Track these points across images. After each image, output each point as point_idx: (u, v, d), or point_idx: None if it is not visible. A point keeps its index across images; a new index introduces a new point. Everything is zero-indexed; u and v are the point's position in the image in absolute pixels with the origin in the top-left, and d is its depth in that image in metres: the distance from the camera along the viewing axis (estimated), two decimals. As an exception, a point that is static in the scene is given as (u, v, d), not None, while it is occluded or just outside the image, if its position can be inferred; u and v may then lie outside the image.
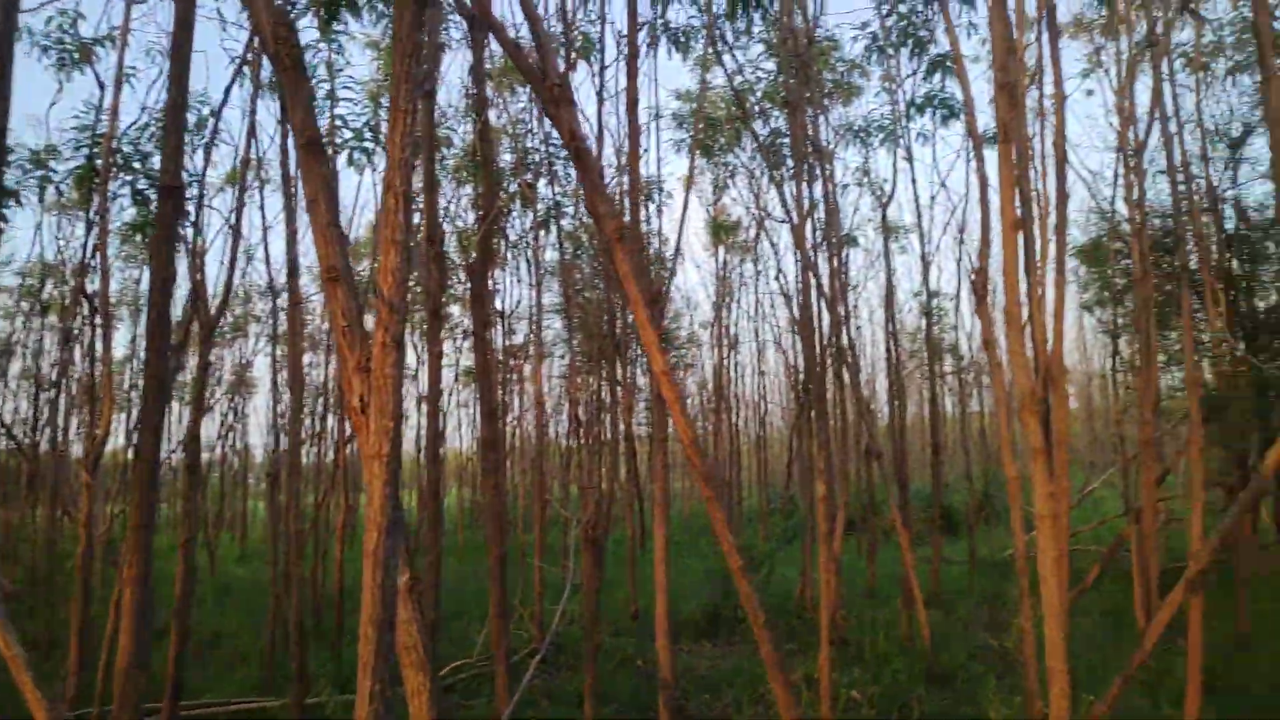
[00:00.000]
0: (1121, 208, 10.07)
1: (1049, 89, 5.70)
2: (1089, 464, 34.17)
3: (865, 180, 14.31)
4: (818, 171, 8.75)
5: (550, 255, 13.94)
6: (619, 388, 10.55)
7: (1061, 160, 5.38)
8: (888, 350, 13.84)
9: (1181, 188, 7.10)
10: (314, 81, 10.53)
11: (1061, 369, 4.82)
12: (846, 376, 9.40)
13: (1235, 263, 10.93)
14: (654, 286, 6.54)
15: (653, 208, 13.04)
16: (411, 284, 12.57)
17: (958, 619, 11.78)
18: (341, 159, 11.43)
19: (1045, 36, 5.47)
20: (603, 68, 9.07)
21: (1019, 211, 4.81)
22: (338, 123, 10.64)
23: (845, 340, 10.59)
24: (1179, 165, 7.01)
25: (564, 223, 11.20)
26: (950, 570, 14.87)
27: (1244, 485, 7.55)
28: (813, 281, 7.86)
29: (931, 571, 13.40)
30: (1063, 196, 5.37)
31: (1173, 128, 7.11)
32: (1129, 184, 7.62)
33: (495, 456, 6.99)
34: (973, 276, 4.92)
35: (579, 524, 8.25)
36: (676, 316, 20.52)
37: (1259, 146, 11.33)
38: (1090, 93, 34.30)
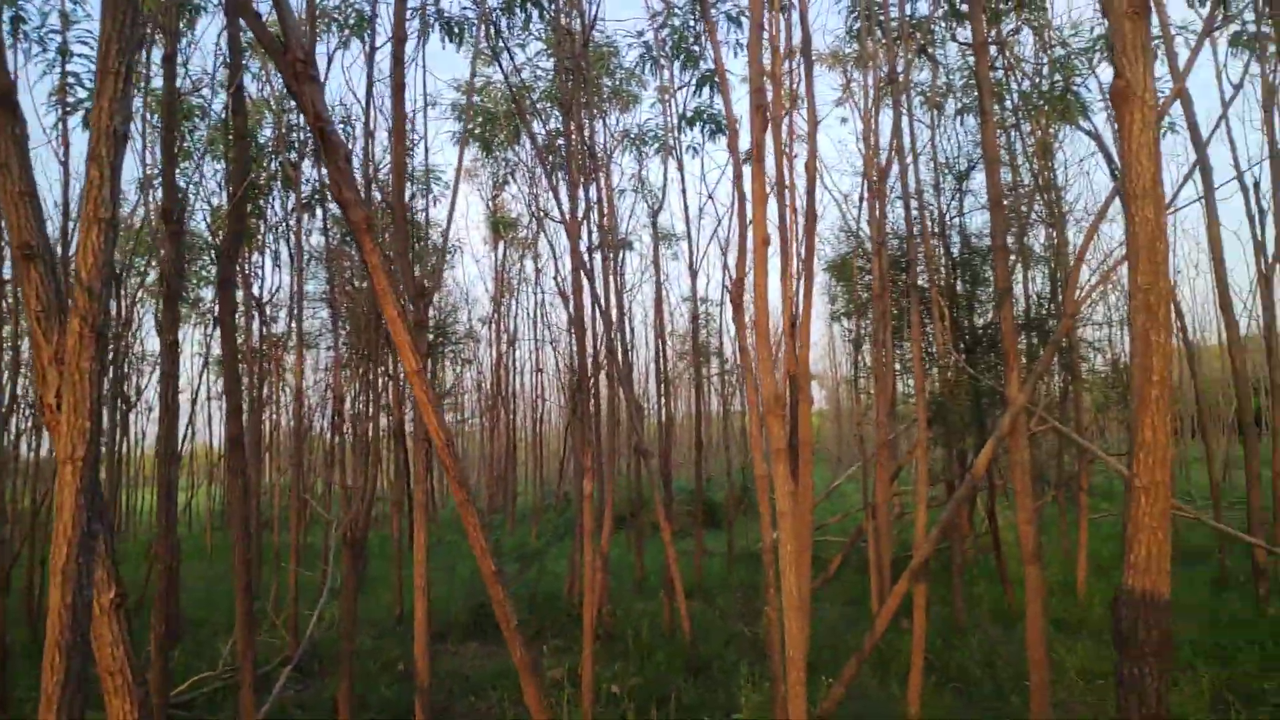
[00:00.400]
0: (866, 228, 11.04)
1: (805, 114, 6.11)
2: (837, 460, 37.08)
3: (641, 187, 14.67)
4: (594, 174, 8.85)
5: (316, 240, 13.17)
6: (389, 382, 10.15)
7: (813, 181, 5.77)
8: (657, 352, 14.30)
9: (915, 213, 7.86)
10: (45, 32, 9.39)
11: (807, 376, 5.17)
12: (619, 376, 9.58)
13: (959, 284, 12.25)
14: (422, 279, 6.33)
15: (425, 199, 12.67)
16: (155, 264, 11.43)
17: (717, 609, 12.33)
18: (75, 120, 10.27)
19: (802, 66, 5.86)
20: (373, 49, 8.66)
21: (774, 227, 5.11)
22: (70, 80, 9.58)
23: (618, 341, 10.79)
24: (914, 193, 7.76)
25: (332, 206, 10.57)
26: (711, 562, 15.61)
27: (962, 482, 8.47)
28: (586, 283, 7.94)
29: (694, 564, 14.01)
30: (813, 215, 5.77)
31: (909, 158, 7.87)
32: (872, 207, 8.33)
33: (242, 454, 6.48)
34: (730, 287, 5.17)
35: (339, 525, 7.85)
36: (454, 310, 20.07)
37: (980, 180, 12.78)
38: (844, 120, 37.31)
